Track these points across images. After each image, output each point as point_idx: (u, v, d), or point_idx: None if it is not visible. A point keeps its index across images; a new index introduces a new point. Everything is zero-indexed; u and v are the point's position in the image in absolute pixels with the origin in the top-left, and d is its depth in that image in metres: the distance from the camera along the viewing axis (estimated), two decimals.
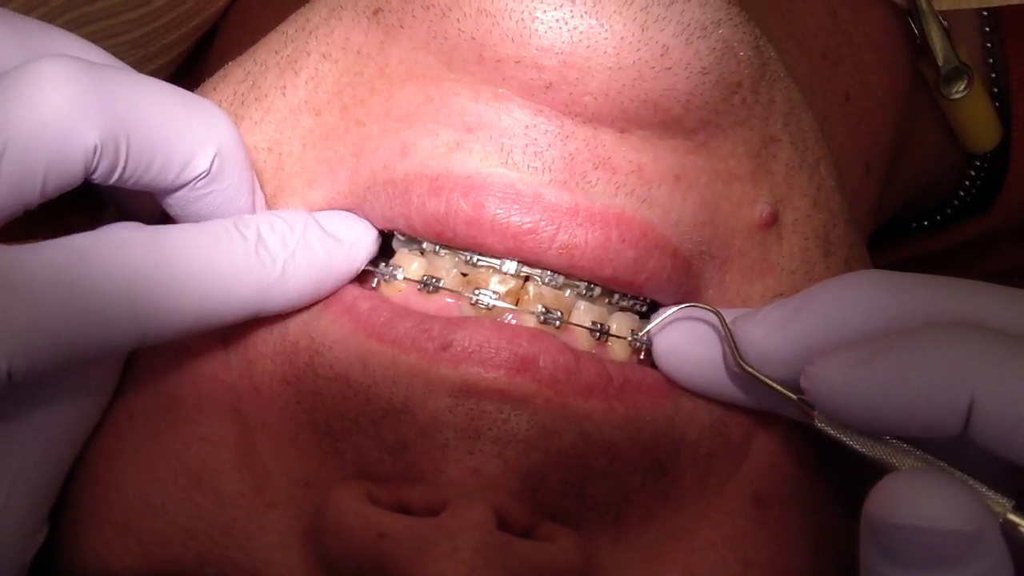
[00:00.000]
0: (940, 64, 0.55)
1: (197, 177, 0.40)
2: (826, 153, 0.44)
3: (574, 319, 0.42)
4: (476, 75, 0.40)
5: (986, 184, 0.62)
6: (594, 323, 0.42)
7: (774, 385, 0.39)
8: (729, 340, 0.40)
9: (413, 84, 0.41)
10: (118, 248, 0.37)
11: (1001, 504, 0.36)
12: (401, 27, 0.41)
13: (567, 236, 0.39)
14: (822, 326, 0.38)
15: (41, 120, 0.37)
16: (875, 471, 0.36)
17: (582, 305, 0.43)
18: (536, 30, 0.39)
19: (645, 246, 0.40)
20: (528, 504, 0.40)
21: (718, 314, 0.41)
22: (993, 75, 0.59)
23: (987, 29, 0.59)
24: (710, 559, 0.41)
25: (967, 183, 0.63)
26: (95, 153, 0.38)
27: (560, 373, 0.39)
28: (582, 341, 0.42)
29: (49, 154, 0.37)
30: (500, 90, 0.40)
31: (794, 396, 0.39)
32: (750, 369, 0.39)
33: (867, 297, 0.37)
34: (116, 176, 0.39)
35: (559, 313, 0.42)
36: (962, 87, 0.56)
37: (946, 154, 0.61)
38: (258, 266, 0.40)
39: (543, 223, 0.39)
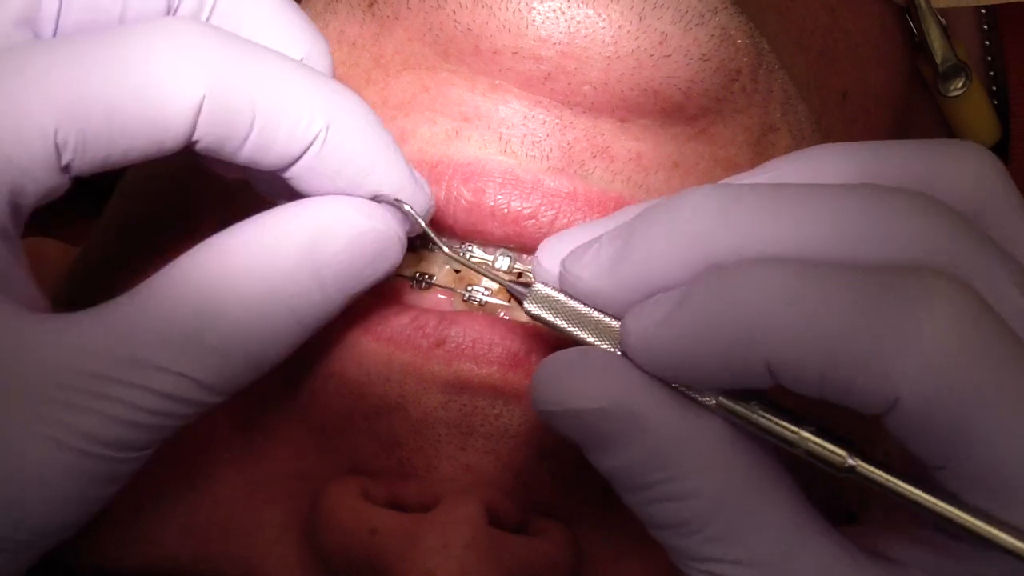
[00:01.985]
0: (938, 62, 0.55)
1: (312, 141, 0.37)
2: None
3: None
4: (473, 66, 0.40)
5: None
6: None
7: (482, 271, 0.38)
8: (428, 232, 0.38)
9: (409, 74, 0.41)
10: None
11: (712, 390, 0.34)
12: (396, 18, 0.41)
13: (565, 221, 0.39)
14: (646, 266, 0.34)
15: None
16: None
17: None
18: (533, 20, 0.39)
19: None
20: (520, 499, 0.40)
21: (405, 207, 0.37)
22: (991, 73, 0.59)
23: (985, 27, 0.59)
24: None
25: None
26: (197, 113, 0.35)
27: None
28: None
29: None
30: (497, 81, 0.40)
31: (506, 280, 0.37)
32: (454, 257, 0.38)
33: (690, 226, 0.33)
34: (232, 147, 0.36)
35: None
36: (960, 85, 0.56)
37: None
38: None
39: (542, 208, 0.39)
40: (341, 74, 0.42)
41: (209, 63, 0.34)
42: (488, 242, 0.41)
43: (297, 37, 0.38)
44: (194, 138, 0.35)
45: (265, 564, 0.40)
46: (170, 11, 0.37)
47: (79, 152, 0.34)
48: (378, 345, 0.39)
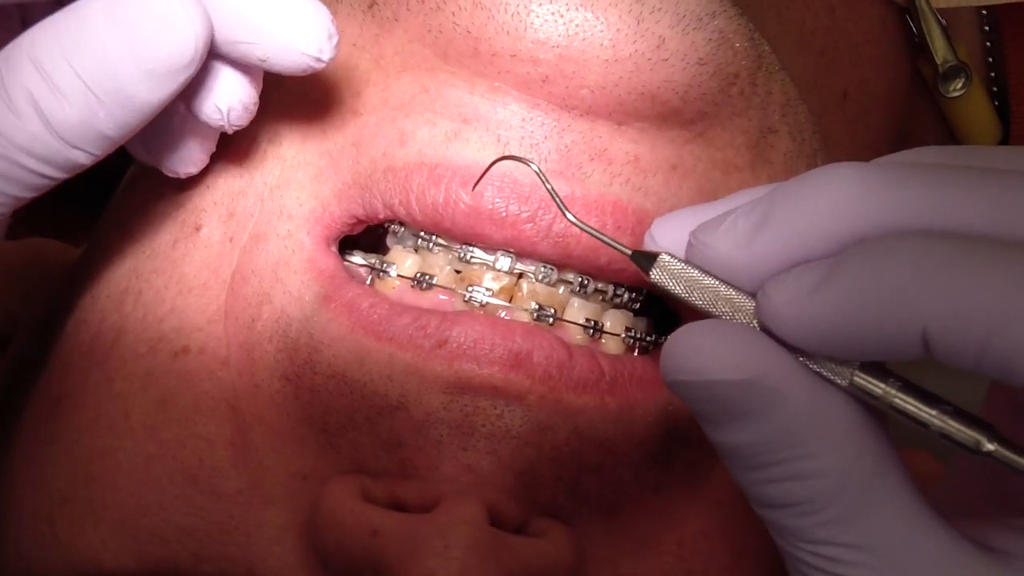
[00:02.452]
0: (938, 62, 0.55)
1: None
2: (823, 146, 0.44)
3: (567, 316, 0.42)
4: (472, 68, 0.40)
5: None
6: (587, 320, 0.42)
7: (606, 239, 0.36)
8: (554, 196, 0.37)
9: (409, 75, 0.41)
10: None
11: (848, 364, 0.33)
12: (396, 20, 0.41)
13: (563, 226, 0.40)
14: (787, 238, 0.33)
15: None
16: None
17: (575, 302, 0.43)
18: (531, 23, 0.39)
19: (640, 233, 0.39)
20: (521, 500, 0.40)
21: (533, 166, 0.37)
22: (992, 74, 0.59)
23: (986, 28, 0.59)
24: (702, 548, 0.41)
25: None
26: None
27: (554, 369, 0.39)
28: (575, 338, 0.42)
29: None
30: (496, 83, 0.40)
31: (628, 252, 0.36)
32: (575, 221, 0.37)
33: (835, 201, 0.33)
34: None
35: (552, 310, 0.42)
36: (959, 85, 0.56)
37: None
38: None
39: (540, 211, 0.39)
40: (341, 75, 0.42)
41: None
42: (487, 245, 0.41)
43: None
44: None
45: (266, 564, 0.40)
46: None
47: None
48: (379, 345, 0.39)
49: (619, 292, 0.43)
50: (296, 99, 0.43)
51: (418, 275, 0.42)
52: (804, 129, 0.44)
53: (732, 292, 0.34)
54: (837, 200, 0.32)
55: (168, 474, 0.41)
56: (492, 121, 0.40)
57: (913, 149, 0.35)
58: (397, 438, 0.39)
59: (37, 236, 0.57)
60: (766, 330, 0.33)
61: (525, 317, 0.42)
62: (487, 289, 0.42)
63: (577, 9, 0.38)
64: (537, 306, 0.42)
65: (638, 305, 0.44)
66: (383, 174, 0.41)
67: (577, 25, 0.38)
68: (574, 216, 0.37)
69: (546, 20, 0.39)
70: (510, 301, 0.42)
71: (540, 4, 0.39)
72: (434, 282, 0.42)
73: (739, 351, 0.33)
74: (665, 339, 0.43)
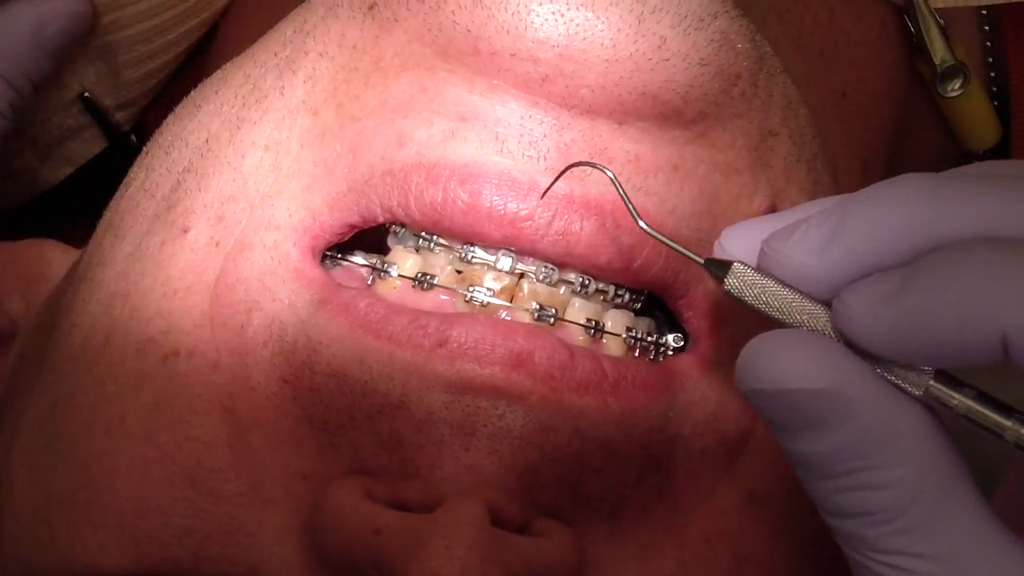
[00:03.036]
0: (936, 62, 0.55)
1: None
2: (822, 149, 0.44)
3: (568, 316, 0.42)
4: (471, 67, 0.40)
5: None
6: (588, 320, 0.42)
7: (679, 248, 0.37)
8: (628, 203, 0.38)
9: (408, 75, 0.41)
10: None
11: (922, 373, 0.34)
12: (396, 20, 0.41)
13: (562, 223, 0.39)
14: (861, 247, 0.33)
15: None
16: None
17: (576, 302, 0.42)
18: (532, 22, 0.39)
19: (640, 233, 0.39)
20: (523, 500, 0.40)
21: (608, 173, 0.38)
22: (993, 74, 0.59)
23: (986, 28, 0.59)
24: (704, 554, 0.41)
25: None
26: None
27: (555, 369, 0.39)
28: (577, 338, 0.42)
29: None
30: (495, 82, 0.40)
31: (700, 260, 0.36)
32: (649, 230, 0.37)
33: (908, 210, 0.33)
34: None
35: (553, 310, 0.42)
36: (957, 85, 0.56)
37: (945, 152, 0.61)
38: None
39: (539, 210, 0.39)
40: (341, 78, 0.42)
41: None
42: (487, 244, 0.41)
43: None
44: None
45: (267, 564, 0.40)
46: None
47: None
48: (380, 343, 0.39)
49: (620, 292, 0.43)
50: (296, 105, 0.43)
51: (419, 275, 0.42)
52: (804, 133, 0.44)
53: (807, 302, 0.35)
54: (910, 209, 0.33)
55: (166, 477, 0.41)
56: (490, 119, 0.40)
57: (986, 162, 0.36)
58: (398, 437, 0.39)
59: (37, 236, 0.57)
60: (842, 338, 0.34)
61: (526, 317, 0.41)
62: (488, 289, 0.42)
63: (578, 8, 0.38)
64: (538, 306, 0.42)
65: (639, 305, 0.44)
66: (381, 178, 0.41)
67: (578, 24, 0.38)
68: (646, 224, 0.37)
69: (546, 19, 0.39)
70: (511, 301, 0.42)
71: (540, 3, 0.39)
72: (435, 282, 0.42)
73: (816, 360, 0.33)
74: (665, 339, 0.43)
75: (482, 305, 0.41)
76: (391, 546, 0.37)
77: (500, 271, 0.42)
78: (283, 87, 0.43)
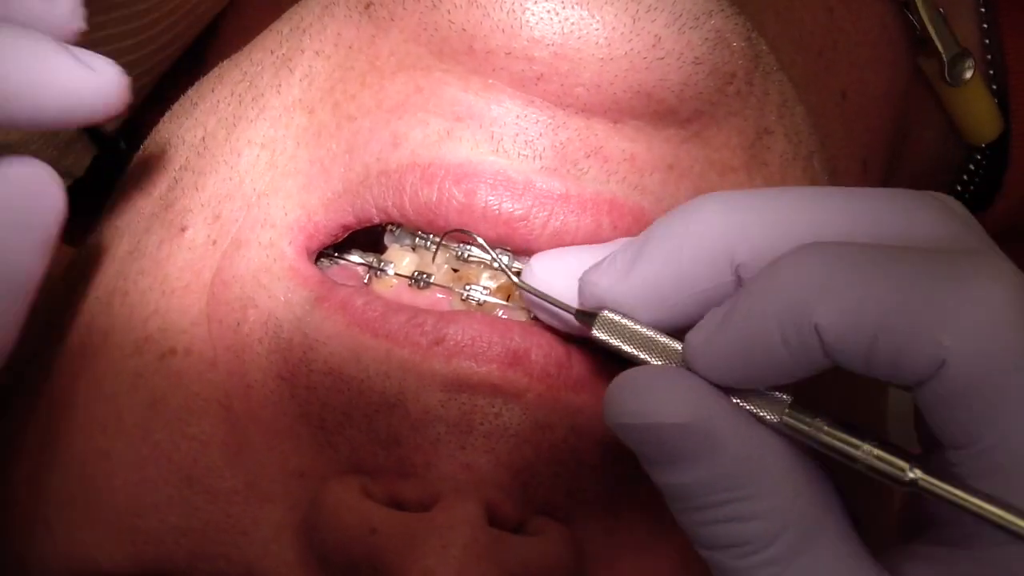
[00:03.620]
0: (942, 51, 0.54)
1: None
2: (819, 147, 0.44)
3: None
4: (466, 65, 0.40)
5: (985, 182, 0.62)
6: None
7: (551, 301, 0.38)
8: (500, 265, 0.40)
9: (404, 75, 0.41)
10: None
11: (779, 403, 0.35)
12: (392, 19, 0.41)
13: (558, 223, 0.39)
14: (662, 269, 0.36)
15: None
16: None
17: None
18: (527, 21, 0.39)
19: (637, 232, 0.39)
20: (519, 498, 0.40)
21: (479, 240, 0.40)
22: (990, 56, 0.58)
23: (985, 25, 0.58)
24: None
25: (965, 178, 0.62)
26: None
27: (552, 367, 0.39)
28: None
29: None
30: (490, 81, 0.40)
31: (572, 309, 0.38)
32: (524, 286, 0.39)
33: (706, 228, 0.35)
34: None
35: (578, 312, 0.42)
36: (968, 65, 0.55)
37: (946, 150, 0.60)
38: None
39: (535, 209, 0.39)
40: (337, 77, 0.42)
41: None
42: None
43: None
44: None
45: (263, 563, 0.40)
46: None
47: None
48: (376, 341, 0.39)
49: None
50: (293, 104, 0.43)
51: (415, 273, 0.42)
52: (800, 131, 0.44)
53: (667, 340, 0.36)
54: (704, 222, 0.35)
55: (163, 475, 0.41)
56: (486, 118, 0.40)
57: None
58: (395, 436, 0.39)
59: None
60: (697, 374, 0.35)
61: (522, 316, 0.41)
62: (484, 288, 0.42)
63: (573, 7, 0.38)
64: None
65: None
66: (376, 179, 0.41)
67: (573, 23, 0.38)
68: (520, 280, 0.39)
69: (541, 18, 0.39)
70: (507, 300, 0.42)
71: (536, 2, 0.39)
72: (431, 280, 0.42)
73: (679, 394, 0.34)
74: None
75: (478, 304, 0.41)
76: (387, 545, 0.37)
77: (496, 270, 0.42)
78: (280, 85, 0.43)
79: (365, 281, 0.43)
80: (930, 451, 0.35)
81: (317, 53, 0.43)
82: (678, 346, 0.36)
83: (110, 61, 0.37)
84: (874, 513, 0.46)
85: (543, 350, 0.39)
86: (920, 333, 0.31)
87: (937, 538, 0.36)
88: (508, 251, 0.41)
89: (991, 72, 0.58)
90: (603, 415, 0.36)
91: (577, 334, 0.40)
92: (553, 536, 0.39)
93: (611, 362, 0.40)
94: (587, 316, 0.37)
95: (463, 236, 0.40)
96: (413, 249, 0.43)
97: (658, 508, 0.41)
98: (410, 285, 0.42)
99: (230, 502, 0.41)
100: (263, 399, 0.41)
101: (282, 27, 0.45)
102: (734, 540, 0.34)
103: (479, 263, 0.42)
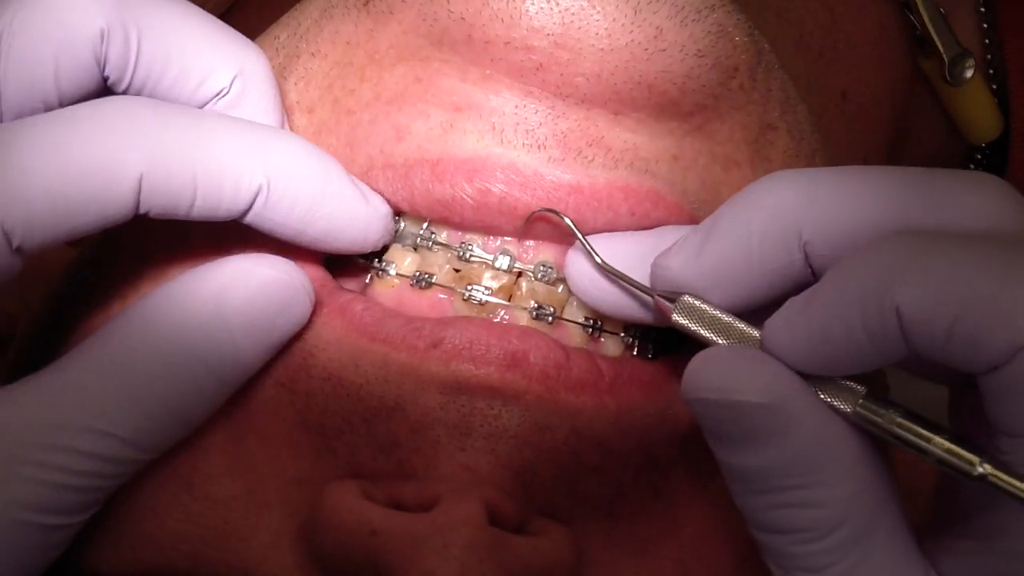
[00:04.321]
0: (943, 50, 0.54)
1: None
2: (821, 146, 0.44)
3: (567, 315, 0.42)
4: (465, 55, 0.40)
5: None
6: (587, 318, 0.42)
7: (632, 283, 0.39)
8: (584, 244, 0.39)
9: (402, 66, 0.41)
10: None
11: (853, 394, 0.35)
12: (391, 12, 0.41)
13: (574, 214, 0.39)
14: (732, 249, 0.36)
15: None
16: None
17: (575, 301, 0.42)
18: (526, 11, 0.38)
19: (657, 216, 0.39)
20: (520, 500, 0.39)
21: (567, 220, 0.39)
22: (990, 69, 0.58)
23: (985, 26, 0.58)
24: (703, 553, 0.41)
25: None
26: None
27: (550, 369, 0.39)
28: (575, 337, 0.42)
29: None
30: (488, 71, 0.40)
31: (653, 293, 0.38)
32: (608, 267, 0.39)
33: (774, 207, 0.36)
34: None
35: (552, 309, 0.41)
36: (969, 64, 0.55)
37: (946, 149, 0.60)
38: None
39: (550, 202, 0.39)
40: (335, 74, 0.42)
41: (145, 140, 0.37)
42: (499, 235, 0.41)
43: (225, 56, 0.40)
44: (140, 211, 0.38)
45: (262, 569, 0.40)
46: (100, 70, 0.39)
47: (27, 237, 0.36)
48: (374, 346, 0.39)
49: None
50: (291, 107, 0.43)
51: (417, 274, 0.42)
52: (803, 128, 0.43)
53: (744, 326, 0.37)
54: (772, 201, 0.35)
55: (162, 482, 0.40)
56: (485, 109, 0.40)
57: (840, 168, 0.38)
58: (394, 439, 0.39)
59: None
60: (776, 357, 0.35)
61: (524, 317, 0.41)
62: (486, 288, 0.42)
63: None
64: (536, 305, 0.41)
65: None
66: (381, 171, 0.41)
67: (573, 13, 0.38)
68: (602, 259, 0.39)
69: (541, 8, 0.38)
70: (509, 300, 0.42)
71: None
72: (433, 281, 0.42)
73: (763, 374, 0.34)
74: (664, 337, 0.43)
75: (480, 304, 0.41)
76: (388, 547, 0.36)
77: (498, 270, 0.41)
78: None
79: (367, 281, 0.43)
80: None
81: (313, 54, 0.43)
82: (756, 333, 0.36)
83: (381, 199, 0.41)
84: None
85: (541, 352, 0.39)
86: (1000, 317, 0.31)
87: (967, 532, 0.36)
88: (511, 253, 0.41)
89: (991, 72, 0.58)
90: (682, 390, 0.36)
91: (652, 323, 0.40)
92: (554, 537, 0.39)
93: (615, 363, 0.40)
94: (667, 300, 0.38)
95: (550, 217, 0.40)
96: (415, 249, 0.43)
97: (659, 509, 0.41)
98: (412, 285, 0.42)
99: (229, 508, 0.40)
100: (262, 405, 0.41)
101: (279, 32, 0.45)
102: (798, 526, 0.34)
103: (481, 263, 0.42)
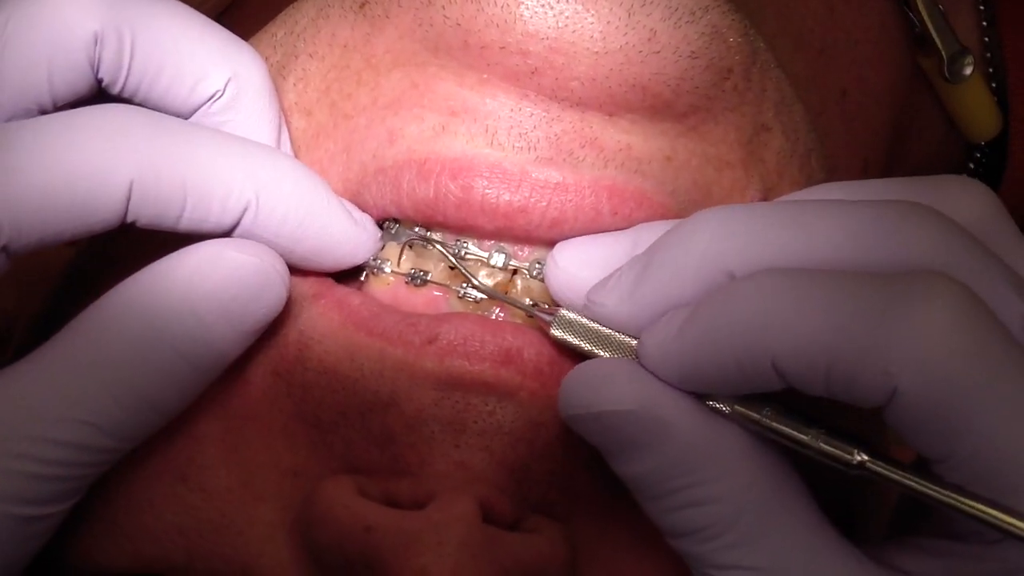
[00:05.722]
0: (942, 48, 0.54)
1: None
2: (818, 145, 0.44)
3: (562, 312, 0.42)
4: (461, 60, 0.40)
5: (985, 180, 0.62)
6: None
7: (507, 299, 0.40)
8: (463, 270, 0.41)
9: (399, 71, 0.41)
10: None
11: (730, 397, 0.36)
12: (387, 17, 0.41)
13: (556, 212, 0.39)
14: (665, 287, 0.36)
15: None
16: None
17: None
18: (521, 15, 0.38)
19: (639, 217, 0.39)
20: (514, 496, 0.39)
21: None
22: (990, 67, 0.58)
23: (984, 23, 0.58)
24: None
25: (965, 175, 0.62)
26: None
27: (545, 365, 0.39)
28: None
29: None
30: (484, 76, 0.40)
31: (532, 310, 0.40)
32: (481, 285, 0.41)
33: (700, 245, 0.36)
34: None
35: (547, 306, 0.41)
36: (968, 61, 0.55)
37: (947, 148, 0.60)
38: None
39: (532, 200, 0.39)
40: (333, 77, 0.42)
41: (136, 150, 0.37)
42: (481, 236, 0.41)
43: (220, 59, 0.40)
44: (128, 219, 0.38)
45: (258, 562, 0.40)
46: (94, 73, 0.39)
47: (14, 238, 0.36)
48: (370, 340, 0.39)
49: None
50: (289, 108, 0.43)
51: (412, 271, 0.42)
52: (798, 128, 0.43)
53: (622, 337, 0.38)
54: (701, 244, 0.35)
55: (158, 473, 0.41)
56: (480, 112, 0.40)
57: (819, 186, 0.39)
58: (389, 434, 0.39)
59: None
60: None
61: (519, 316, 0.41)
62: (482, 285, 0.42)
63: (567, 1, 0.38)
64: (531, 302, 0.41)
65: None
66: (374, 176, 0.41)
67: (567, 17, 0.38)
68: (478, 281, 0.41)
69: (535, 12, 0.38)
70: (505, 294, 0.42)
71: None
72: (428, 278, 0.42)
73: (624, 383, 0.35)
74: None
75: (475, 301, 0.41)
76: (382, 543, 0.37)
77: (493, 267, 0.42)
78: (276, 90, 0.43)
79: (362, 279, 0.43)
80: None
81: (311, 55, 0.43)
82: (633, 342, 0.37)
83: (369, 218, 0.42)
84: (874, 511, 0.46)
85: (536, 348, 0.39)
86: (868, 363, 0.32)
87: (937, 531, 0.36)
88: (506, 250, 0.41)
89: (990, 70, 0.58)
90: (559, 410, 0.37)
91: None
92: (548, 533, 0.39)
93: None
94: (545, 316, 0.39)
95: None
96: (410, 247, 0.43)
97: None
98: (407, 283, 0.42)
99: (224, 500, 0.41)
100: (259, 396, 0.41)
101: (276, 30, 0.45)
102: (693, 526, 0.35)
103: (476, 261, 0.42)
